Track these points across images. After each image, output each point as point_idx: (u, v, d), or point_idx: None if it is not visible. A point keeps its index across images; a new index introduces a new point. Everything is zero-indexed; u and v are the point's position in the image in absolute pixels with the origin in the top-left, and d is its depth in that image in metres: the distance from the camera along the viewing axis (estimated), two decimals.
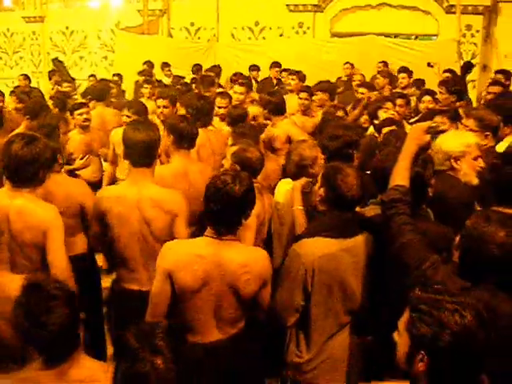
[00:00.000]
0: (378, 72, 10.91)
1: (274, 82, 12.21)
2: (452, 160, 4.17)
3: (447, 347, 2.04)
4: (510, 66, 12.03)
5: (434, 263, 3.05)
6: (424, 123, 3.72)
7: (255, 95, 9.63)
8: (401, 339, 2.21)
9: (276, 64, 12.37)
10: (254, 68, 12.78)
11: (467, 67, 11.52)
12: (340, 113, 7.37)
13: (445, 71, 10.37)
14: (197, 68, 12.32)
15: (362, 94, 8.75)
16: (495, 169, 3.70)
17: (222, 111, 7.30)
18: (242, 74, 11.42)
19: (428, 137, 3.61)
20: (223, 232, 3.39)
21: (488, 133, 4.74)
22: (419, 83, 10.16)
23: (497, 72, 10.15)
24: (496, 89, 8.11)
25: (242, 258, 3.42)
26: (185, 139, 5.15)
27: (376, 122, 6.59)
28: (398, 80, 10.48)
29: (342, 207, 3.59)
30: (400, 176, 3.45)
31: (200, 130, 5.54)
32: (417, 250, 3.16)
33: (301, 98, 8.31)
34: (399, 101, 7.31)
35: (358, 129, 5.46)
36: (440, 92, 8.09)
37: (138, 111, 6.73)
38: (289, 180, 4.82)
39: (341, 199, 3.57)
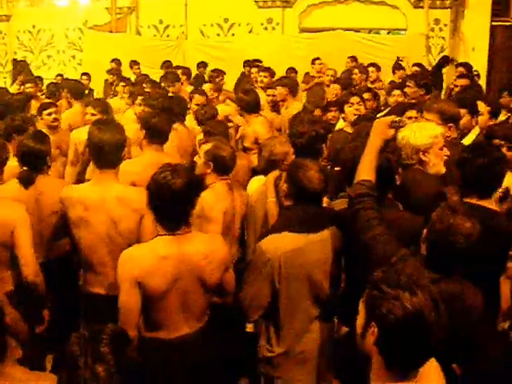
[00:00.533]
0: (355, 67, 10.88)
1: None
2: (421, 153, 4.19)
3: (395, 320, 2.08)
4: (478, 59, 12.25)
5: (402, 257, 3.07)
6: (388, 117, 3.74)
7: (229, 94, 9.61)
8: (359, 317, 2.27)
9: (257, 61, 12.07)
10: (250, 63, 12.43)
11: (444, 61, 11.62)
12: (317, 112, 7.35)
13: (413, 65, 10.49)
14: (167, 65, 12.21)
15: (336, 90, 8.78)
16: (465, 161, 3.74)
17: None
18: (221, 70, 11.33)
19: (392, 131, 3.62)
20: (175, 227, 3.37)
21: (451, 124, 4.78)
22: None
23: (458, 65, 10.26)
24: (463, 81, 8.22)
25: (203, 248, 3.42)
26: (156, 134, 5.17)
27: (343, 116, 6.62)
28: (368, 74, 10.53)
29: (305, 200, 3.60)
30: (366, 171, 3.46)
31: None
32: (385, 244, 3.17)
33: (269, 95, 8.32)
34: (366, 95, 7.35)
35: (323, 122, 5.43)
36: (408, 86, 8.14)
37: (104, 109, 6.70)
38: (261, 177, 4.83)
39: (303, 192, 3.58)
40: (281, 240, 3.54)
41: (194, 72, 11.82)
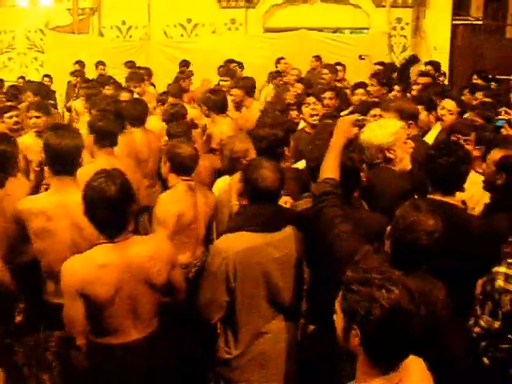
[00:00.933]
0: (325, 67, 10.78)
1: None
2: (385, 151, 4.20)
3: (376, 320, 2.11)
4: (439, 58, 12.39)
5: (366, 254, 3.09)
6: (351, 116, 3.78)
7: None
8: (337, 318, 2.27)
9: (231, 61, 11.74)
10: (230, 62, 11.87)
11: (411, 60, 11.75)
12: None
13: (376, 64, 10.55)
14: (130, 64, 12.06)
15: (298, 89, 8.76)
16: (430, 159, 3.78)
17: None
18: (189, 71, 11.16)
19: (355, 129, 3.65)
20: (115, 234, 3.33)
21: (410, 121, 4.81)
22: None
23: (426, 63, 10.36)
24: (424, 79, 8.31)
25: (146, 250, 3.39)
26: (105, 137, 5.12)
27: (301, 116, 6.59)
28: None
29: (260, 199, 3.54)
30: (329, 169, 3.47)
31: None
32: (349, 242, 3.19)
33: (231, 95, 8.35)
34: (328, 93, 7.26)
35: (285, 124, 5.38)
36: (371, 84, 8.20)
37: (46, 111, 6.68)
38: (226, 177, 4.82)
39: (256, 191, 3.53)
40: (236, 239, 3.49)
41: (157, 72, 11.68)
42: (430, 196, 3.76)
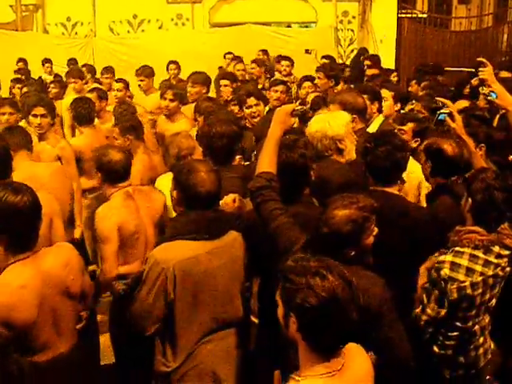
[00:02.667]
0: (253, 61, 10.52)
1: None
2: (337, 142, 4.17)
3: (311, 308, 2.14)
4: (386, 50, 12.54)
5: (304, 244, 3.05)
6: (289, 105, 3.68)
7: None
8: (279, 308, 2.30)
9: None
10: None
11: (361, 54, 11.86)
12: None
13: (323, 57, 10.59)
14: (72, 63, 11.87)
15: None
16: (369, 151, 3.75)
17: None
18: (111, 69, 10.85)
19: (293, 120, 3.57)
20: (29, 247, 3.15)
21: (354, 116, 4.74)
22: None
23: (365, 58, 10.46)
24: (371, 71, 8.41)
25: (60, 259, 3.26)
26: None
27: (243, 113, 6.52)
28: (282, 67, 10.36)
29: (198, 206, 3.36)
30: (266, 162, 3.39)
31: None
32: (288, 233, 3.16)
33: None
34: (280, 87, 7.19)
35: (236, 119, 5.28)
36: (318, 77, 8.20)
37: None
38: (169, 174, 4.71)
39: (195, 198, 3.35)
40: (175, 249, 3.30)
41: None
42: (371, 188, 3.74)
